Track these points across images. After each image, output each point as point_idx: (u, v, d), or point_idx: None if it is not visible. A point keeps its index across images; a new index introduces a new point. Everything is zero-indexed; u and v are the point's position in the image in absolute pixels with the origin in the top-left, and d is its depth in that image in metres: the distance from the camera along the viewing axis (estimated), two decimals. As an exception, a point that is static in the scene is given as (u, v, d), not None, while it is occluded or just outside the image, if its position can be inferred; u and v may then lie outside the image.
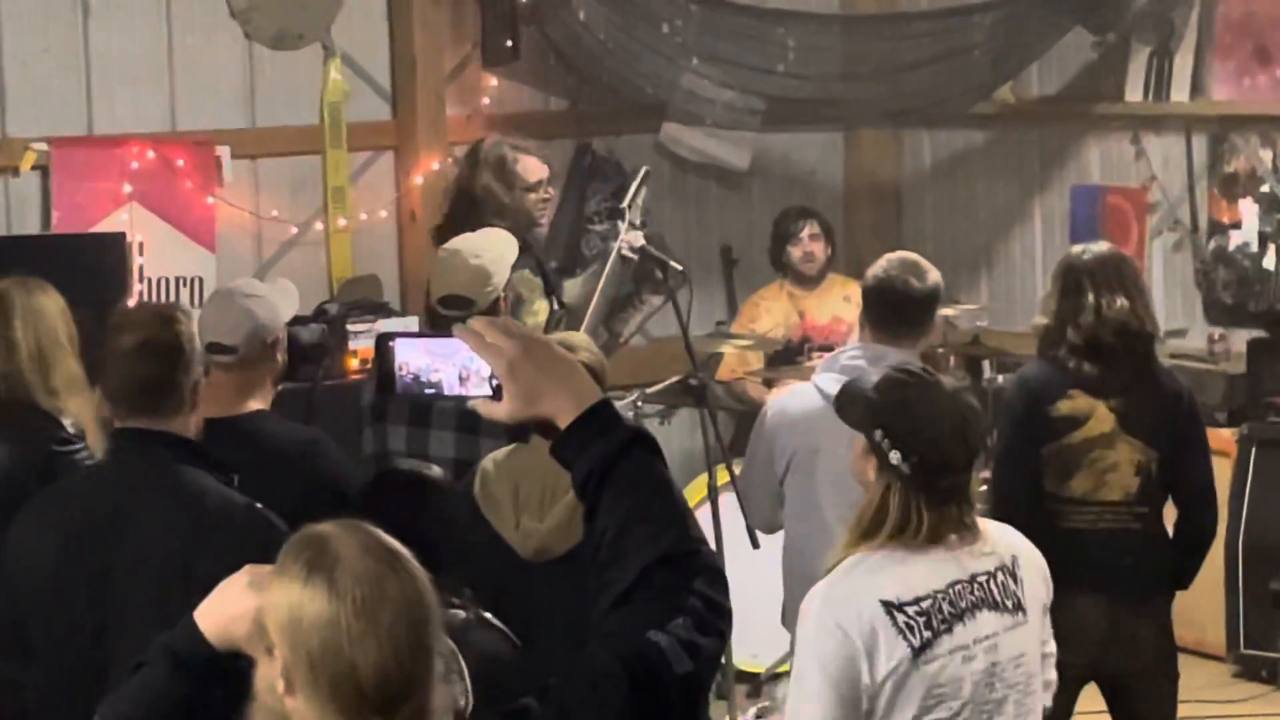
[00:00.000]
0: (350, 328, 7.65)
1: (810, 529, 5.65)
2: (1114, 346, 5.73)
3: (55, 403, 5.20)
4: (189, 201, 7.67)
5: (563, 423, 2.79)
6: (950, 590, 4.08)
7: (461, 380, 2.86)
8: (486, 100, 8.61)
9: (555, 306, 7.01)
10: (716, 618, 2.75)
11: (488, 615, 4.16)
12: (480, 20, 8.48)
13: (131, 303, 7.10)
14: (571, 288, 7.42)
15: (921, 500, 4.09)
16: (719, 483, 6.68)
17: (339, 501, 4.80)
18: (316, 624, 2.56)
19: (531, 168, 7.34)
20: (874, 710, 4.05)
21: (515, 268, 6.33)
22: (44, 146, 7.42)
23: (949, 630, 4.06)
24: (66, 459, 5.08)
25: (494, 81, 8.60)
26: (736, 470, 6.43)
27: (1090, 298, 5.73)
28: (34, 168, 7.41)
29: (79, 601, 4.39)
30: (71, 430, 5.17)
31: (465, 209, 7.24)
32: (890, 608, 4.04)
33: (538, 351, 2.81)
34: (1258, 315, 8.47)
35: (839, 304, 8.57)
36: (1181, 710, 5.95)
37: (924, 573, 4.08)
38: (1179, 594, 5.99)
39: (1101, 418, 5.76)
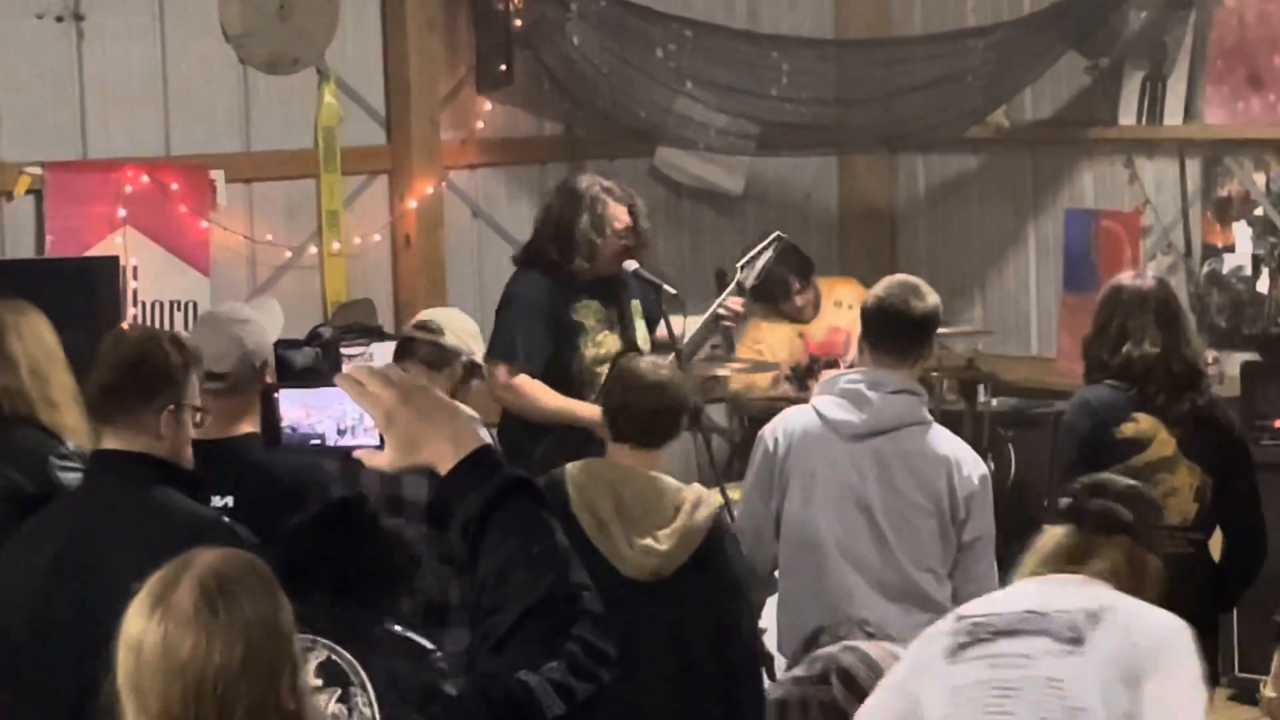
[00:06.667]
0: (344, 351, 7.64)
1: (807, 553, 5.62)
2: (1193, 375, 5.83)
3: (55, 416, 5.19)
4: (183, 225, 7.66)
5: (443, 469, 2.79)
6: (1015, 615, 3.86)
7: (340, 432, 2.87)
8: (481, 124, 8.61)
9: (629, 344, 6.97)
10: (596, 663, 2.74)
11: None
12: (475, 45, 8.49)
13: (126, 325, 7.09)
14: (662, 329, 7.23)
15: None
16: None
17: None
18: (127, 642, 2.65)
19: (618, 215, 7.12)
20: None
21: (601, 296, 6.77)
22: (38, 171, 7.41)
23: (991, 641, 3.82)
24: (64, 477, 5.04)
25: (488, 106, 8.60)
26: (731, 495, 6.40)
27: (1188, 326, 5.84)
28: (28, 192, 7.40)
29: (61, 628, 4.40)
30: (72, 447, 5.16)
31: (558, 244, 7.03)
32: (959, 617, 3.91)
33: (417, 399, 2.80)
34: (1251, 338, 8.46)
35: (831, 312, 8.56)
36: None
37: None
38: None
39: (1164, 442, 5.79)
